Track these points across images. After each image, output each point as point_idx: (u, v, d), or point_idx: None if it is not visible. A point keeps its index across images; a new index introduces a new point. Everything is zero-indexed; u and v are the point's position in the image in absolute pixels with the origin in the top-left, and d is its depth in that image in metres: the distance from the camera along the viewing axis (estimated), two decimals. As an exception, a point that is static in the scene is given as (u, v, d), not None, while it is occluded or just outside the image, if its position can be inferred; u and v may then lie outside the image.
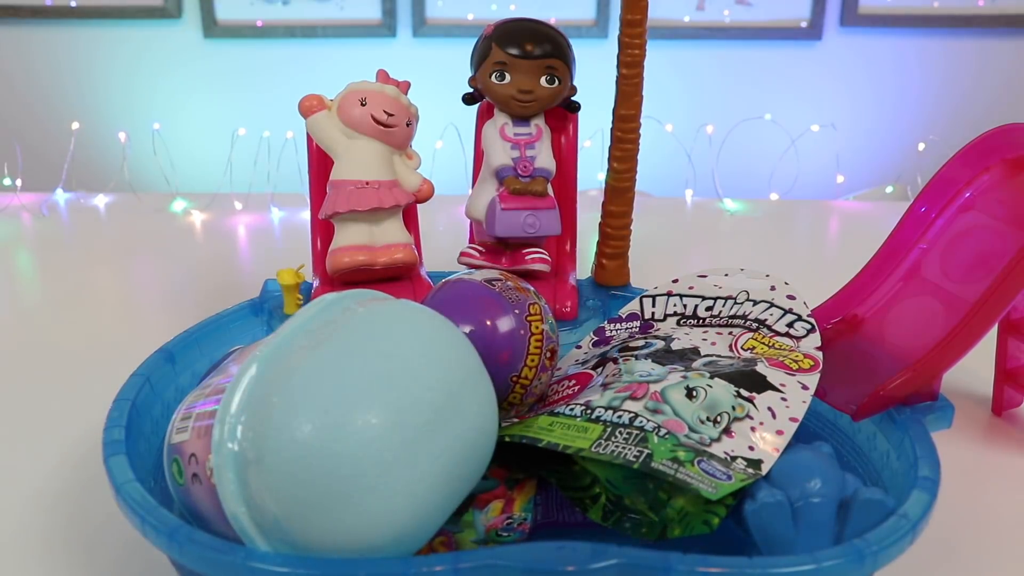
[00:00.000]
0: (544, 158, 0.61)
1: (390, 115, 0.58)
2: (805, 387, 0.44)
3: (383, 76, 0.60)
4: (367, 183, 0.58)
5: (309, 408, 0.33)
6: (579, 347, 0.55)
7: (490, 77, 0.59)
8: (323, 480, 0.33)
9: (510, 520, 0.41)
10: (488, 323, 0.45)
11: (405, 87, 0.61)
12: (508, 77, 0.59)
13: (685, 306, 0.53)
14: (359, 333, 0.37)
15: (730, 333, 0.50)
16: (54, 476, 0.52)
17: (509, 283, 0.47)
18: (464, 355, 0.39)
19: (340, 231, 0.59)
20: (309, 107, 0.58)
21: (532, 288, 0.48)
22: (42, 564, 0.45)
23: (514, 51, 0.58)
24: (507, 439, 0.42)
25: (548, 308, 0.48)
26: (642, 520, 0.41)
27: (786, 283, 0.52)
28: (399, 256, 0.59)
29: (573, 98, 0.63)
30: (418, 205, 0.63)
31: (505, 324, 0.45)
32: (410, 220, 0.66)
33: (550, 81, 0.59)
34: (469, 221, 0.65)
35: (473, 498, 0.41)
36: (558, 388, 0.49)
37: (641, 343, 0.50)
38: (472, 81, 0.61)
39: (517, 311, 0.46)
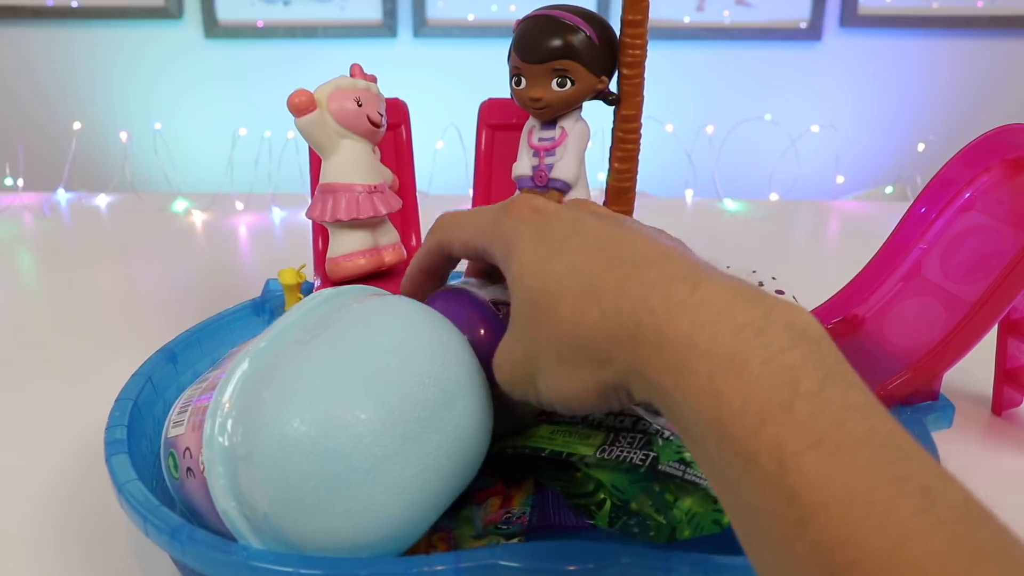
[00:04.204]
0: (562, 166, 0.56)
1: (381, 115, 0.58)
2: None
3: (358, 71, 0.58)
4: (375, 187, 0.58)
5: (299, 403, 0.33)
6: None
7: (512, 82, 0.56)
8: (313, 476, 0.32)
9: (509, 514, 0.41)
10: (482, 333, 0.43)
11: (374, 81, 0.59)
12: (524, 82, 0.55)
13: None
14: (352, 328, 0.36)
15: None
16: (55, 476, 0.52)
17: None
18: (459, 352, 0.38)
19: (343, 237, 0.58)
20: (303, 106, 0.55)
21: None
22: (43, 564, 0.45)
23: (520, 55, 0.55)
24: (509, 451, 0.41)
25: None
26: (650, 523, 0.41)
27: (773, 278, 0.50)
28: (400, 254, 0.60)
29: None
30: (419, 205, 0.63)
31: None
32: (410, 220, 0.66)
33: (561, 84, 0.54)
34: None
35: (472, 495, 0.41)
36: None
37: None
38: None
39: None
